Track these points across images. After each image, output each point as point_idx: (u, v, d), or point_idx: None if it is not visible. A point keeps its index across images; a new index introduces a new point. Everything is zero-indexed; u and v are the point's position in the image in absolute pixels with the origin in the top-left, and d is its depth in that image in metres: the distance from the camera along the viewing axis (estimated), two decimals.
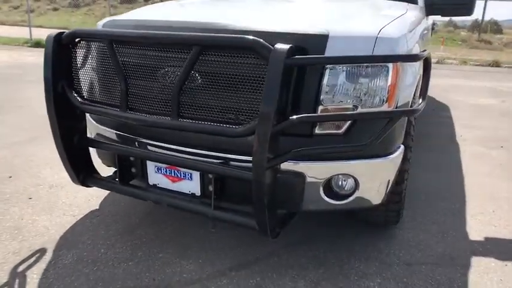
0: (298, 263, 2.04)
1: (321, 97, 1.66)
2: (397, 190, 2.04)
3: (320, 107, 1.68)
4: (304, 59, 1.44)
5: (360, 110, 1.66)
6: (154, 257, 2.07)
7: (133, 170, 1.93)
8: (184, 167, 1.74)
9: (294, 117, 1.48)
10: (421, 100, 1.70)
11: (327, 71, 1.66)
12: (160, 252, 2.11)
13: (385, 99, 1.71)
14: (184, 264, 2.02)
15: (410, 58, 1.71)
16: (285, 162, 1.65)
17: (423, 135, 4.13)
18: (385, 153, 1.76)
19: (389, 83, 1.69)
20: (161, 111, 1.63)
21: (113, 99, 1.76)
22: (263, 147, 1.39)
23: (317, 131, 1.71)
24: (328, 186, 1.76)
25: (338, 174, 1.73)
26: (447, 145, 3.93)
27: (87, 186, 2.01)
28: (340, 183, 1.80)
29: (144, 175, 1.92)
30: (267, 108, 1.40)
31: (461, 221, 2.50)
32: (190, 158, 1.70)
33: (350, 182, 1.79)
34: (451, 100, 5.87)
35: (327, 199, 1.76)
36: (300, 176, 1.70)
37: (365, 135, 1.65)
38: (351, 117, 1.65)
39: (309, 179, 1.71)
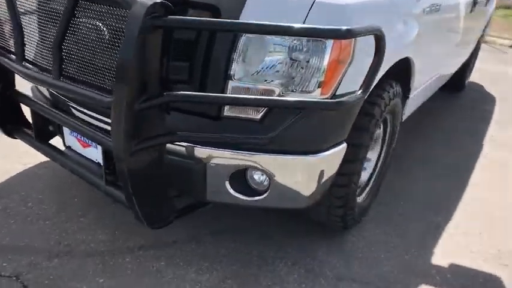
0: (216, 254, 1.85)
1: (231, 72, 1.39)
2: (338, 193, 1.74)
3: (231, 84, 1.41)
4: (170, 20, 1.16)
5: (275, 95, 1.38)
6: (74, 221, 1.99)
7: (50, 128, 1.82)
8: (82, 134, 1.59)
9: (173, 93, 1.23)
10: (360, 90, 1.36)
11: (242, 40, 1.37)
12: (83, 217, 2.02)
13: (316, 85, 1.39)
14: (98, 234, 1.92)
15: (342, 35, 1.31)
16: (182, 144, 1.44)
17: (446, 129, 3.61)
18: (308, 150, 1.46)
19: (325, 64, 1.37)
20: (49, 68, 1.46)
21: (12, 47, 1.62)
22: (118, 125, 1.17)
23: (226, 112, 1.45)
24: (236, 178, 1.52)
25: (246, 167, 1.48)
26: (469, 145, 3.38)
27: (13, 137, 1.95)
28: (251, 177, 1.55)
29: (61, 135, 1.81)
30: (120, 79, 1.16)
31: (434, 238, 2.12)
32: (85, 126, 1.53)
33: (263, 178, 1.53)
34: (501, 91, 5.08)
35: (234, 193, 1.52)
36: (200, 162, 1.47)
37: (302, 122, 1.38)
38: (239, 102, 1.36)
39: (210, 168, 1.48)
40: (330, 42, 1.36)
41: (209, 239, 1.94)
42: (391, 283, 1.79)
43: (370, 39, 1.27)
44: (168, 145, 1.44)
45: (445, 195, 2.53)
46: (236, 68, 1.39)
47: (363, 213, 2.11)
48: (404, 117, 2.42)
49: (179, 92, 1.24)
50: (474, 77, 5.16)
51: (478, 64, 5.13)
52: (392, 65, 1.76)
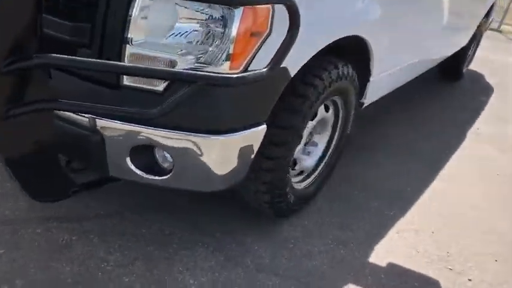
0: (135, 233, 1.74)
1: (128, 35, 1.24)
2: (264, 178, 1.59)
3: (129, 50, 1.26)
4: None
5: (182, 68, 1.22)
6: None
7: None
8: None
9: (43, 56, 1.09)
10: (266, 68, 1.19)
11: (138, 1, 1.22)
12: (9, 182, 1.95)
13: (224, 58, 1.23)
14: (20, 201, 1.82)
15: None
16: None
17: (432, 119, 3.40)
18: (212, 129, 1.30)
19: (233, 34, 1.21)
20: None
21: None
22: None
23: (126, 82, 1.30)
24: (141, 154, 1.39)
25: (147, 144, 1.35)
26: (452, 137, 3.17)
27: None
28: (160, 155, 1.42)
29: None
30: None
31: (381, 234, 1.97)
32: None
33: (166, 156, 1.40)
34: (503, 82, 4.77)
35: (135, 170, 1.39)
36: (97, 134, 1.34)
37: (197, 98, 1.22)
38: (118, 70, 1.23)
39: (109, 141, 1.35)
40: (238, 11, 1.19)
41: (135, 217, 1.83)
42: (316, 279, 1.66)
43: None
44: (65, 113, 1.33)
45: (408, 188, 2.36)
46: (135, 31, 1.24)
47: (306, 201, 1.97)
48: (367, 102, 2.23)
49: (50, 55, 1.10)
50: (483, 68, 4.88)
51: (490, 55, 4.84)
52: (334, 43, 1.57)
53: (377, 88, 2.24)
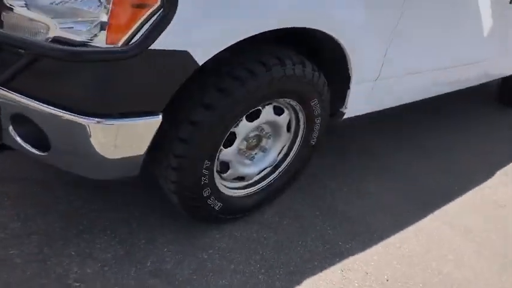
0: (47, 205, 1.67)
1: None
2: (171, 177, 1.40)
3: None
4: None
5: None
6: None
7: None
8: None
9: None
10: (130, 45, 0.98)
11: None
12: None
13: (98, 28, 1.06)
14: None
15: None
16: None
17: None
18: (85, 110, 1.13)
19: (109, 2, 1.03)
20: None
21: None
22: None
23: None
24: (21, 124, 1.27)
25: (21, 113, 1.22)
26: (477, 170, 2.65)
27: None
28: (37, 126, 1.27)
29: None
30: None
31: (317, 267, 1.65)
32: None
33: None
34: None
35: (19, 140, 1.29)
36: None
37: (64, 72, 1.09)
38: None
39: None
40: None
41: (55, 192, 1.76)
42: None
43: None
44: None
45: (384, 225, 2.01)
46: None
47: (243, 211, 1.74)
48: (349, 113, 1.90)
49: None
50: None
51: None
52: (274, 34, 1.32)
53: (364, 98, 1.90)
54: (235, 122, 1.43)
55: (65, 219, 1.63)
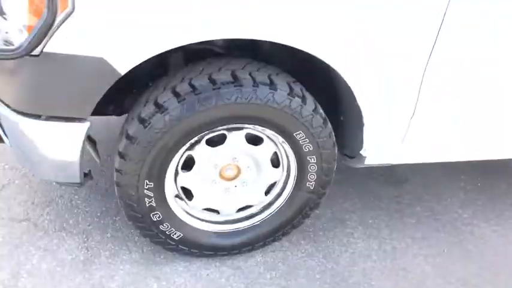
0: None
1: None
2: (118, 193, 1.31)
3: None
4: None
5: None
6: None
7: None
8: None
9: None
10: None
11: None
12: None
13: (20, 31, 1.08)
14: None
15: None
16: None
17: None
18: (16, 108, 1.16)
19: (24, 5, 1.05)
20: None
21: None
22: None
23: None
24: None
25: None
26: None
27: None
28: None
29: None
30: None
31: None
32: None
33: None
34: None
35: None
36: None
37: None
38: None
39: None
40: None
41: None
42: None
43: None
44: None
45: None
46: None
47: (214, 250, 1.51)
48: (372, 159, 1.47)
49: None
50: None
51: None
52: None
53: (394, 141, 1.43)
54: (182, 143, 1.26)
55: (56, 212, 1.72)
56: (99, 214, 1.73)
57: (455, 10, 1.20)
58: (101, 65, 1.08)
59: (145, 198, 1.33)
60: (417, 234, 1.81)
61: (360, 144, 1.45)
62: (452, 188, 2.14)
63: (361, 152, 1.46)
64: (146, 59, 1.09)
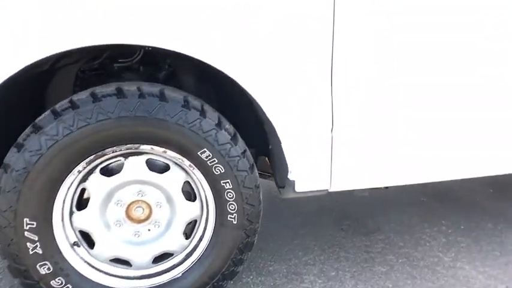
0: None
1: None
2: None
3: None
4: None
5: None
6: None
7: None
8: None
9: None
10: None
11: None
12: None
13: None
14: None
15: None
16: None
17: None
18: None
19: None
20: None
21: None
22: None
23: None
24: None
25: None
26: None
27: None
28: None
29: None
30: None
31: None
32: None
33: None
34: None
35: None
36: None
37: None
38: None
39: None
40: None
41: None
42: None
43: None
44: None
45: None
46: None
47: None
48: (302, 186, 1.27)
49: None
50: None
51: None
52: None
53: (322, 161, 1.25)
54: (67, 170, 1.09)
55: None
56: None
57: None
58: None
59: (27, 243, 1.11)
60: (388, 283, 1.50)
61: (286, 168, 1.28)
62: (431, 233, 1.86)
63: (288, 176, 1.28)
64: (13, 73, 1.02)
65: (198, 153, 1.15)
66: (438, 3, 1.24)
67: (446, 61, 1.28)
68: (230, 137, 1.18)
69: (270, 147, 1.39)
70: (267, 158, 1.53)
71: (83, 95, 1.09)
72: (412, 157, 1.35)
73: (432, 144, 1.35)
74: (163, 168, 1.21)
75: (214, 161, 1.17)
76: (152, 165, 1.20)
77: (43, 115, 1.08)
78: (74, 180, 1.14)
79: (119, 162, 1.17)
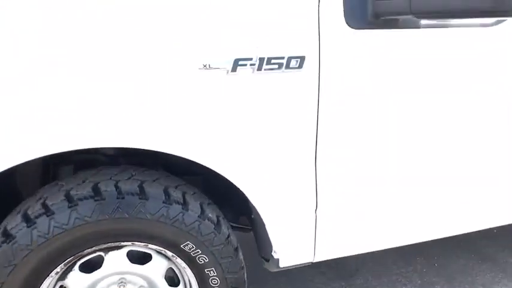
0: None
1: None
2: None
3: None
4: None
5: None
6: None
7: None
8: None
9: None
10: None
11: None
12: None
13: None
14: None
15: None
16: None
17: None
18: None
19: None
20: None
21: None
22: None
23: None
24: None
25: None
26: None
27: None
28: None
29: None
30: None
31: None
32: None
33: None
34: None
35: None
36: None
37: None
38: None
39: None
40: None
41: None
42: None
43: None
44: None
45: None
46: None
47: None
48: (286, 261, 1.27)
49: None
50: None
51: None
52: None
53: (307, 238, 1.27)
54: (42, 277, 1.04)
55: None
56: None
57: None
58: None
59: None
60: None
61: (270, 246, 1.28)
62: (406, 274, 1.92)
63: (272, 253, 1.28)
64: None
65: (182, 245, 1.13)
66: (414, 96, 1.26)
67: (420, 143, 1.32)
68: (214, 226, 1.16)
69: (252, 216, 1.38)
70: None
71: (57, 198, 1.03)
72: (390, 226, 1.39)
73: (406, 214, 1.39)
74: (146, 257, 1.18)
75: (198, 252, 1.14)
76: (133, 256, 1.16)
77: (14, 220, 1.02)
78: (51, 282, 1.10)
79: (98, 255, 1.14)
